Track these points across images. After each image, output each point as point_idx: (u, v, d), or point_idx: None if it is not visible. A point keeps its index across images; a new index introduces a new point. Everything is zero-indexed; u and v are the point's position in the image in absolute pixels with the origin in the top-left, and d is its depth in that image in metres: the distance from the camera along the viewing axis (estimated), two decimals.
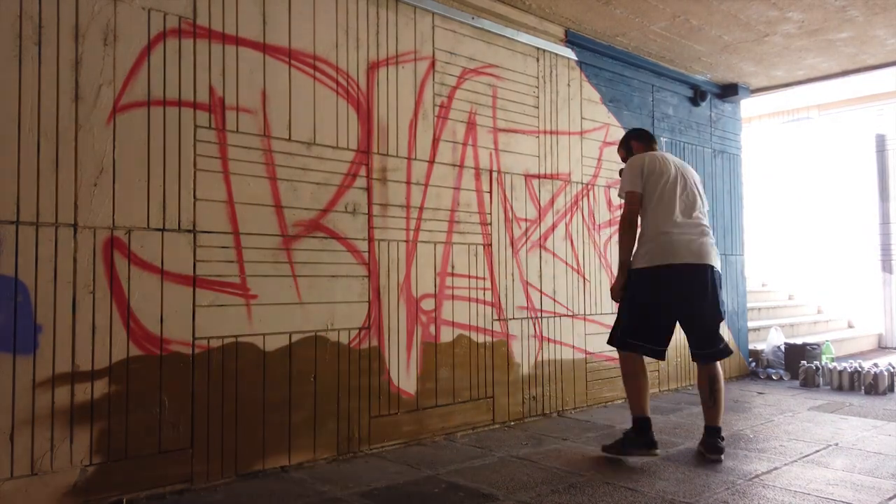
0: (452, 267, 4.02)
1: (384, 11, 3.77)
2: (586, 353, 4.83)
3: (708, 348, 3.44)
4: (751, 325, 6.92)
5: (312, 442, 3.37)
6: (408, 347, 3.78)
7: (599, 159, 5.03)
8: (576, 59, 4.87)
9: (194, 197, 3.02)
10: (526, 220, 4.47)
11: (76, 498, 2.65)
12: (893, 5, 4.45)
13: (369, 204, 3.65)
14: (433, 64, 3.99)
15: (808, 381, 5.79)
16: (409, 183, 3.84)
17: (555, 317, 4.63)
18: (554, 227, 4.66)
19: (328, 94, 3.51)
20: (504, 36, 4.37)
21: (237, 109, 3.17)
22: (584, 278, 4.86)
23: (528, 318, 4.45)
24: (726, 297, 5.93)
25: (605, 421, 4.39)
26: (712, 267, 3.39)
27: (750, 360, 6.53)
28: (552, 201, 4.66)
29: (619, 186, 3.59)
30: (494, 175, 4.29)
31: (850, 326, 9.07)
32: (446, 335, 3.97)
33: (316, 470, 3.27)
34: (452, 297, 4.01)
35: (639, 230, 3.50)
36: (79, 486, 2.66)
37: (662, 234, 3.37)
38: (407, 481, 3.09)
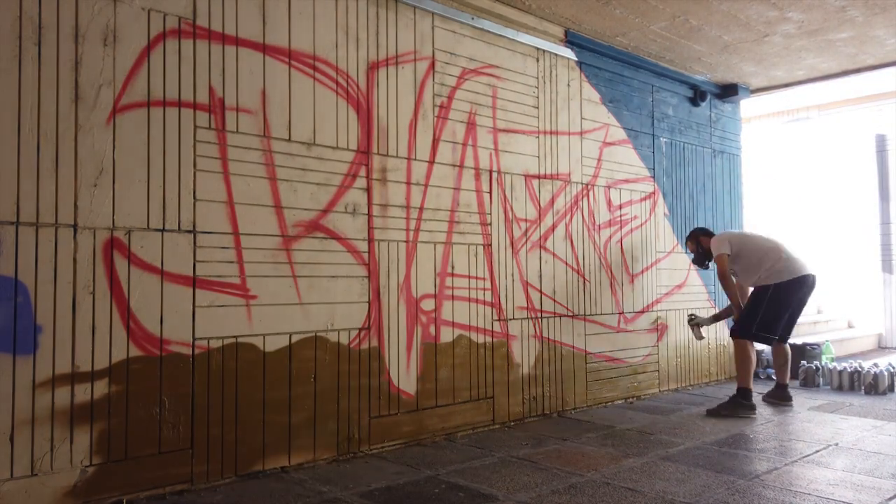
0: (452, 267, 4.02)
1: (384, 11, 3.77)
2: (586, 353, 4.83)
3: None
4: None
5: (312, 442, 3.37)
6: (408, 348, 3.78)
7: (599, 159, 5.03)
8: (575, 59, 4.87)
9: (194, 197, 3.02)
10: (526, 220, 4.47)
11: (76, 498, 2.65)
12: (893, 5, 4.45)
13: (369, 204, 3.65)
14: (433, 64, 3.99)
15: (808, 381, 5.80)
16: (408, 183, 3.84)
17: (555, 317, 4.63)
18: (554, 227, 4.66)
19: (328, 94, 3.51)
20: (504, 36, 4.37)
21: (237, 110, 3.17)
22: (584, 278, 4.86)
23: (528, 318, 4.45)
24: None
25: (605, 421, 4.39)
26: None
27: None
28: (552, 201, 4.66)
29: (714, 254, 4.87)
30: (494, 175, 4.29)
31: (850, 326, 9.07)
32: (446, 335, 3.97)
33: (316, 470, 3.28)
34: (452, 297, 4.01)
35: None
36: (79, 487, 2.66)
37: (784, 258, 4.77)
38: (407, 482, 3.09)
